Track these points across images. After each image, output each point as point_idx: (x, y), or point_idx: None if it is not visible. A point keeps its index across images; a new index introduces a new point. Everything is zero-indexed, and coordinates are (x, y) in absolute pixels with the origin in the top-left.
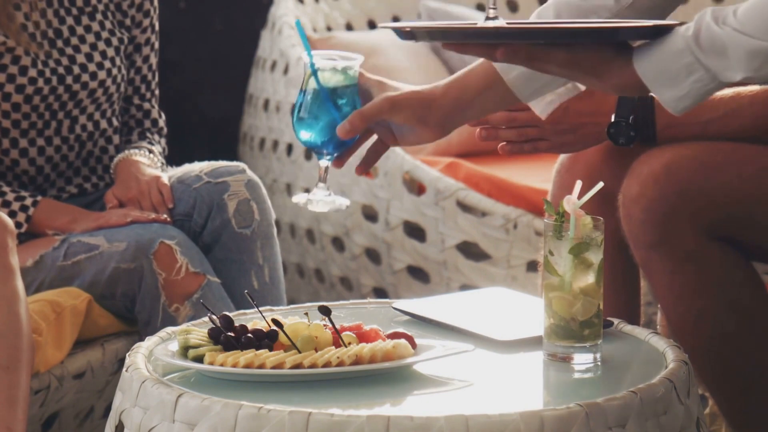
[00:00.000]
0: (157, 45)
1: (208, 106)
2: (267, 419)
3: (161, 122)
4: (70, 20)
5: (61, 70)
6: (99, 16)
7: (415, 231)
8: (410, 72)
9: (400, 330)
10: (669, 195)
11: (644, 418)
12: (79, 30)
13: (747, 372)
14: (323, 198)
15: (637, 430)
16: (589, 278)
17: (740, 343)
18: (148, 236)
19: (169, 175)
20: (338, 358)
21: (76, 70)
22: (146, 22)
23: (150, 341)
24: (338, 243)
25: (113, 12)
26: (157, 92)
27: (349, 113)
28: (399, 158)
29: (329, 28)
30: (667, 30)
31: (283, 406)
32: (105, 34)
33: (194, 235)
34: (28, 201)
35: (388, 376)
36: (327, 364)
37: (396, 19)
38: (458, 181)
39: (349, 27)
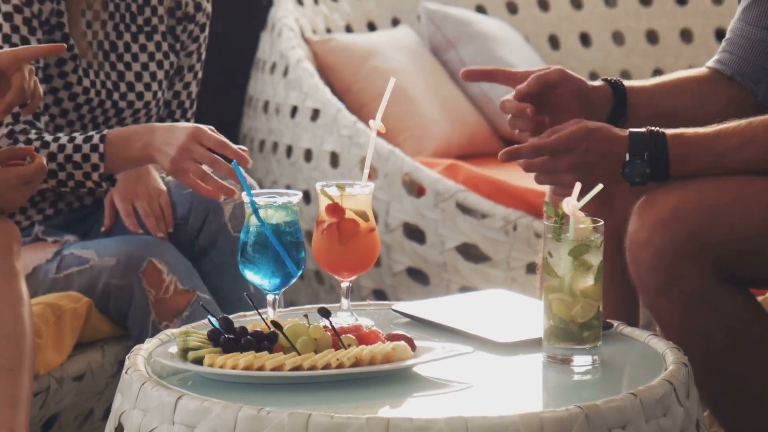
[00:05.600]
0: (200, 74)
1: (207, 108)
2: (267, 421)
3: None
4: (127, 36)
5: (109, 84)
6: (157, 37)
7: (414, 233)
8: (409, 74)
9: (400, 332)
10: (677, 240)
11: (644, 420)
12: (134, 48)
13: (761, 405)
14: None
15: None
16: (589, 280)
17: (752, 378)
18: (138, 253)
19: (167, 179)
20: (338, 360)
21: (123, 87)
22: (193, 47)
23: (150, 343)
24: None
25: (168, 35)
26: (192, 121)
27: (292, 247)
28: (399, 160)
29: (329, 30)
30: None
31: (283, 407)
32: (159, 56)
33: (190, 239)
34: (96, 138)
35: (387, 378)
36: (326, 366)
37: (395, 20)
38: (458, 182)
39: (348, 29)
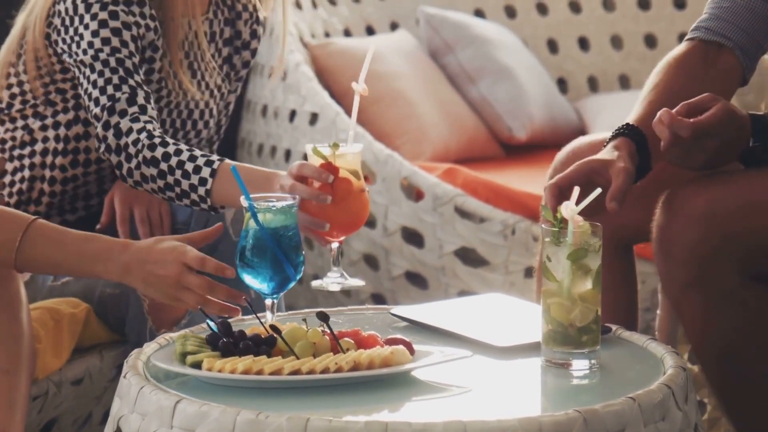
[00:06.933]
0: (239, 92)
1: None
2: (265, 425)
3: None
4: (198, 75)
5: (178, 123)
6: (215, 73)
7: (413, 237)
8: (408, 78)
9: (399, 336)
10: (712, 237)
11: (642, 424)
12: (202, 85)
13: None
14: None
15: None
16: (587, 284)
17: None
18: None
19: None
20: (336, 364)
21: (189, 125)
22: (242, 72)
23: (148, 347)
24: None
25: (224, 66)
26: (222, 135)
27: (291, 251)
28: (397, 164)
29: (327, 34)
30: None
31: (281, 412)
32: (215, 91)
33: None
34: (215, 158)
35: (386, 382)
36: (325, 370)
37: (394, 24)
38: (456, 187)
39: (347, 33)
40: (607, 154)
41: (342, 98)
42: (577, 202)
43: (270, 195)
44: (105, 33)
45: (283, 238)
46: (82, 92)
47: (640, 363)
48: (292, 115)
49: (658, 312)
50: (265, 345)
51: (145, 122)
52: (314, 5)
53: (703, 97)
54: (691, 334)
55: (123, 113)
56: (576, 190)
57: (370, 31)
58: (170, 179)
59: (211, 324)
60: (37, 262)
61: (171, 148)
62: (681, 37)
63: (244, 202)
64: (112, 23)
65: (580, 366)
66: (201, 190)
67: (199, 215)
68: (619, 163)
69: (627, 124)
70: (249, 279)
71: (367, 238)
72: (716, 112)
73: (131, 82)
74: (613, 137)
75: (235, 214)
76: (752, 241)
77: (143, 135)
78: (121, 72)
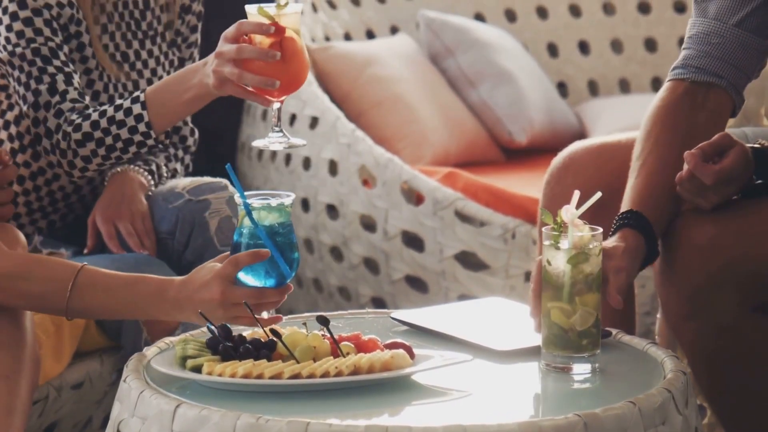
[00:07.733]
0: (196, 59)
1: (205, 116)
2: (265, 429)
3: (190, 140)
4: (135, 44)
5: (127, 96)
6: (158, 40)
7: (413, 241)
8: (408, 82)
9: (399, 340)
10: (713, 270)
11: (642, 428)
12: (143, 54)
13: None
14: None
15: None
16: (587, 288)
17: None
18: (128, 271)
19: (154, 191)
20: (336, 368)
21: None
22: (193, 38)
23: (148, 351)
24: (336, 253)
25: (166, 33)
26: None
27: (286, 248)
28: (398, 168)
29: (327, 38)
30: None
31: (282, 416)
32: (162, 58)
33: (177, 253)
34: (137, 92)
35: (386, 386)
36: (325, 374)
37: (394, 28)
38: (456, 191)
39: (347, 37)
40: (610, 244)
41: (342, 102)
42: (577, 206)
43: (265, 192)
44: (18, 26)
45: (278, 236)
46: (13, 93)
47: (640, 367)
48: (293, 119)
49: (658, 316)
50: (265, 349)
51: (68, 110)
52: (314, 9)
53: (721, 137)
54: (690, 361)
55: (47, 105)
56: (576, 194)
57: (370, 35)
58: (109, 140)
59: (211, 328)
60: (89, 309)
61: (95, 115)
62: (681, 41)
63: (238, 200)
64: (23, 13)
65: (580, 370)
66: (141, 127)
67: (183, 224)
68: (617, 262)
69: (630, 212)
70: (244, 276)
71: (368, 242)
72: (736, 158)
73: (50, 69)
74: (619, 227)
75: (220, 223)
76: (754, 273)
77: (66, 126)
78: (39, 62)
